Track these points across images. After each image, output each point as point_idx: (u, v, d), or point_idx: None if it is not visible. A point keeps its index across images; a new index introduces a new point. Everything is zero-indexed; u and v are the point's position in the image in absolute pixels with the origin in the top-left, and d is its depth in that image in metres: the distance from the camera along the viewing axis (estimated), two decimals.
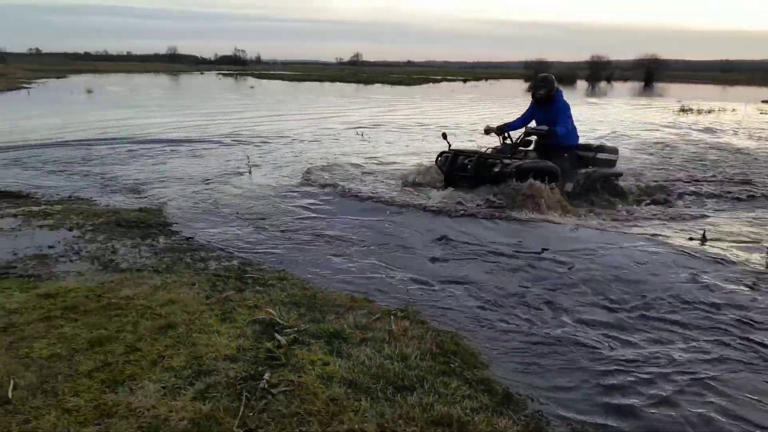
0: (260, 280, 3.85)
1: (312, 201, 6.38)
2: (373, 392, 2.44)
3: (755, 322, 3.45)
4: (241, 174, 8.02)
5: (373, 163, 9.07)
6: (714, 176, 8.68)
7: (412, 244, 4.85)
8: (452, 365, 2.77)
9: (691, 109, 23.66)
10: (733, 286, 4.01)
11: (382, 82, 51.86)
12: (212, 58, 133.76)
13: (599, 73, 72.46)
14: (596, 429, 2.41)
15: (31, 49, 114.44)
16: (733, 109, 24.53)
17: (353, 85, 46.10)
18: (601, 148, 7.24)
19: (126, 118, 15.88)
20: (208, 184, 7.30)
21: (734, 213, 6.54)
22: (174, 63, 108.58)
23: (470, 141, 10.94)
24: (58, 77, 46.31)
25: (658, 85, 61.01)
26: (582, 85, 61.97)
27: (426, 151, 9.91)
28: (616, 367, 2.89)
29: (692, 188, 7.73)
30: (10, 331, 2.88)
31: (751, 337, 3.26)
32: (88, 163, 8.70)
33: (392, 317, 3.29)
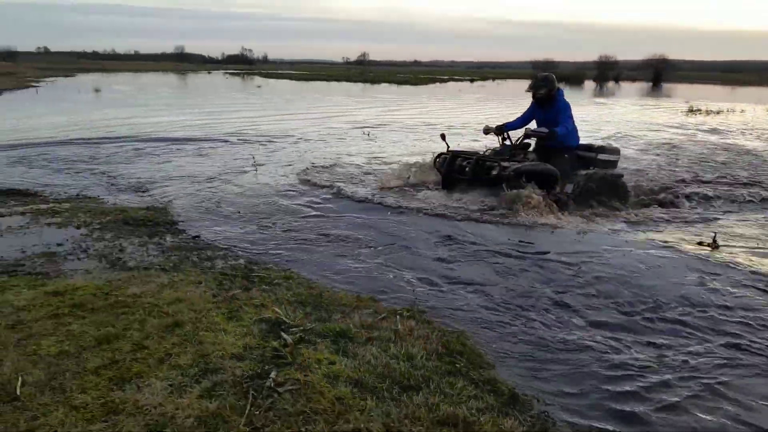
0: (266, 279, 3.86)
1: (316, 201, 6.39)
2: (379, 392, 2.45)
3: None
4: (246, 173, 8.04)
5: (378, 163, 9.07)
6: (722, 178, 8.59)
7: (416, 245, 4.85)
8: (458, 365, 2.77)
9: (699, 110, 23.56)
10: (744, 291, 3.97)
11: (389, 81, 51.85)
12: (219, 58, 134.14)
13: (607, 73, 72.23)
14: (602, 430, 2.40)
15: (39, 47, 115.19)
16: (742, 110, 24.40)
17: (360, 85, 46.11)
18: (602, 149, 7.11)
19: (133, 117, 15.95)
20: (214, 182, 7.33)
21: (743, 215, 6.49)
22: (181, 62, 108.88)
23: (474, 141, 10.93)
24: (66, 76, 46.55)
25: (666, 86, 60.73)
26: (590, 85, 61.75)
27: (432, 150, 9.90)
28: (623, 371, 2.88)
29: (700, 190, 7.63)
30: (19, 328, 2.90)
31: (764, 342, 3.23)
32: (95, 161, 8.74)
33: (398, 317, 3.29)
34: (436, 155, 7.10)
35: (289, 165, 8.74)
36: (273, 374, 2.52)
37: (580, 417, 2.49)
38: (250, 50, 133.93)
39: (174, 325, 2.98)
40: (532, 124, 7.00)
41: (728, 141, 13.46)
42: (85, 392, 2.33)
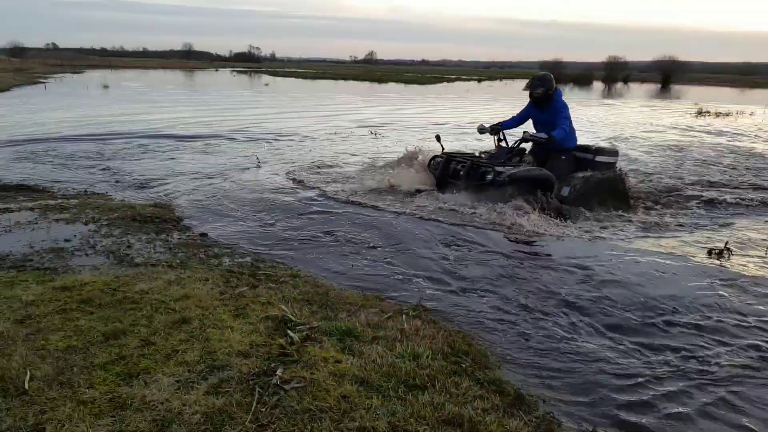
0: (273, 277, 3.87)
1: (321, 199, 6.39)
2: (385, 390, 2.45)
3: None
4: (253, 171, 8.07)
5: (384, 162, 9.04)
6: (731, 181, 8.52)
7: (422, 246, 4.85)
8: (463, 365, 2.77)
9: (708, 112, 23.42)
10: (758, 300, 3.93)
11: (397, 80, 51.82)
12: (227, 55, 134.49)
13: (616, 74, 71.95)
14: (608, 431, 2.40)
15: (48, 43, 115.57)
16: (752, 113, 24.22)
17: (367, 83, 46.12)
18: (600, 150, 6.89)
19: (141, 113, 16.03)
20: (220, 180, 7.35)
21: (754, 219, 6.41)
22: (189, 59, 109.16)
23: (479, 141, 10.90)
24: (75, 72, 46.76)
25: (676, 87, 60.36)
26: (598, 86, 61.50)
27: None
28: (630, 376, 2.87)
29: (708, 193, 7.54)
30: (27, 323, 2.92)
31: None
32: (103, 157, 8.79)
33: (404, 316, 3.29)
34: (430, 157, 6.98)
35: (295, 163, 8.76)
36: (279, 372, 2.52)
37: (586, 415, 2.49)
38: (258, 48, 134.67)
39: (181, 321, 2.99)
40: (528, 124, 6.84)
41: (737, 143, 13.38)
42: (93, 387, 2.35)
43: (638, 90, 54.16)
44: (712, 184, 8.24)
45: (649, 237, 5.52)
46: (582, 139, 7.09)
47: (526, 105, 6.90)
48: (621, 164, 8.24)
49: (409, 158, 7.52)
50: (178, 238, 4.76)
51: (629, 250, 4.97)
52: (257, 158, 8.93)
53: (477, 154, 6.95)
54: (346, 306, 3.43)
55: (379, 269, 4.24)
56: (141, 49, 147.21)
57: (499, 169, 6.14)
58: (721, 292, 4.02)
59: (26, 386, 2.32)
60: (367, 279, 4.05)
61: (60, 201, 5.76)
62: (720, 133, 15.72)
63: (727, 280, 4.29)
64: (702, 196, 7.40)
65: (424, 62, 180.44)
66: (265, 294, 3.49)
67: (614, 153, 7.03)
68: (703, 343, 3.25)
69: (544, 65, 71.64)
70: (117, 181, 7.17)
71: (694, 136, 14.69)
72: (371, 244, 4.82)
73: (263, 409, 2.26)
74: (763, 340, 3.32)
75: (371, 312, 3.34)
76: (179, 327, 2.93)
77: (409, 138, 12.44)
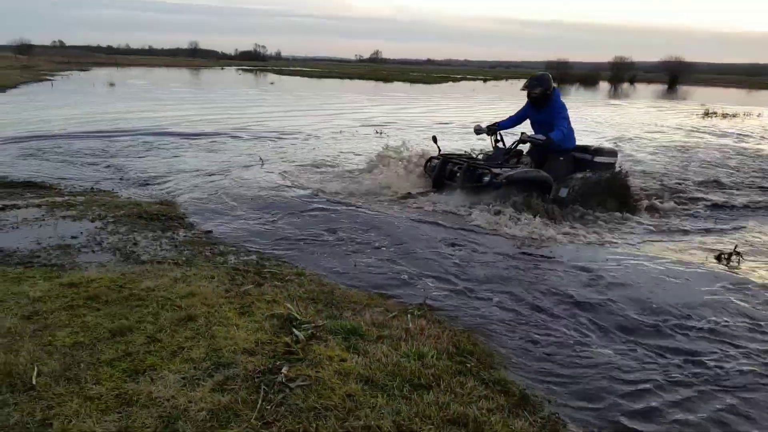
0: (278, 275, 3.88)
1: (325, 198, 6.38)
2: (390, 389, 2.45)
3: None
4: (256, 169, 8.07)
5: (387, 162, 9.01)
6: (737, 183, 8.46)
7: (427, 246, 4.84)
8: (468, 365, 2.77)
9: (715, 113, 23.35)
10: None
11: (402, 80, 51.82)
12: (233, 54, 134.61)
13: (622, 74, 71.73)
14: None
15: (54, 41, 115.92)
16: (759, 114, 24.12)
17: (373, 83, 46.11)
18: (598, 151, 6.81)
19: (146, 111, 16.08)
20: (225, 178, 7.36)
21: (762, 222, 6.35)
22: (195, 58, 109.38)
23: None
24: (81, 70, 46.92)
25: (683, 88, 60.12)
26: (604, 86, 61.33)
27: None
28: (637, 378, 2.86)
29: (715, 195, 7.50)
30: (35, 319, 2.94)
31: None
32: (109, 154, 8.82)
33: (409, 315, 3.30)
34: (427, 159, 6.92)
35: (299, 162, 8.77)
36: (284, 370, 2.53)
37: (592, 417, 2.49)
38: (264, 47, 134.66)
39: (187, 318, 3.00)
40: (526, 124, 6.78)
41: (743, 145, 13.32)
42: (100, 383, 2.36)
43: (645, 91, 53.99)
44: (718, 186, 8.20)
45: (656, 240, 5.47)
46: (587, 139, 7.05)
47: (523, 105, 6.81)
48: (626, 165, 8.23)
49: (384, 157, 7.49)
50: (184, 236, 4.77)
51: (637, 254, 4.95)
52: (260, 157, 8.93)
53: (474, 155, 6.89)
54: (351, 305, 3.43)
55: (384, 268, 4.24)
56: (147, 47, 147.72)
57: (496, 170, 6.09)
58: (731, 297, 3.97)
59: (34, 381, 2.34)
60: (371, 278, 4.05)
61: (67, 198, 5.78)
62: (726, 135, 15.66)
63: (738, 285, 4.23)
64: (708, 198, 7.35)
65: (429, 62, 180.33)
66: (270, 292, 3.50)
67: (613, 153, 6.95)
68: (712, 349, 3.21)
69: (549, 65, 71.50)
70: (122, 179, 7.20)
71: (701, 138, 14.64)
72: (375, 244, 4.82)
73: (268, 407, 2.27)
74: None
75: (376, 311, 3.34)
76: (185, 324, 2.94)
77: (413, 137, 12.43)
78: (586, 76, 66.62)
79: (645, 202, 6.79)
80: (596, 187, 6.33)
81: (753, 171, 9.57)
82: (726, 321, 3.58)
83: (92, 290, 3.32)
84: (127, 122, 13.07)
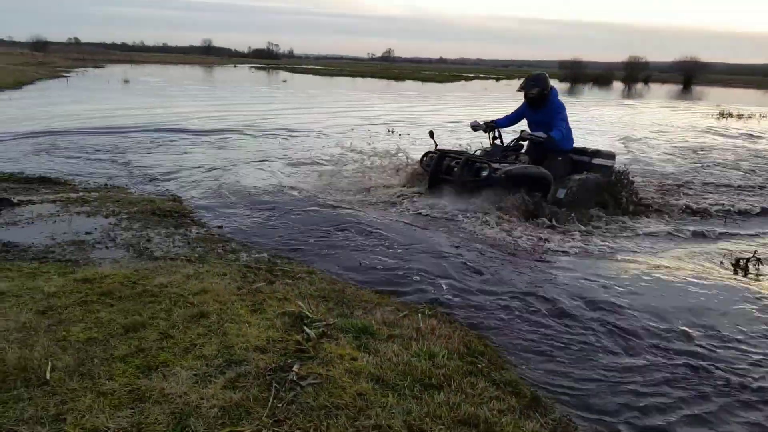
0: (290, 273, 3.89)
1: (336, 197, 6.40)
2: (401, 389, 2.45)
3: None
4: (268, 167, 8.10)
5: (399, 160, 9.02)
6: (752, 187, 8.25)
7: (436, 246, 4.83)
8: (479, 365, 2.76)
9: (730, 114, 23.05)
10: None
11: (414, 78, 51.73)
12: (246, 51, 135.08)
13: (636, 74, 71.11)
14: None
15: (70, 38, 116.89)
16: None
17: (385, 81, 46.08)
18: (596, 153, 6.70)
19: (160, 108, 16.19)
20: (237, 175, 7.40)
21: None
22: (208, 55, 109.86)
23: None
24: (96, 67, 47.33)
25: (698, 88, 59.42)
26: (618, 86, 60.83)
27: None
28: (650, 384, 2.83)
29: (728, 199, 7.32)
30: (49, 314, 2.97)
31: None
32: (124, 150, 8.90)
33: (420, 315, 3.29)
34: (423, 154, 6.81)
35: (311, 160, 8.79)
36: (296, 367, 2.54)
37: (603, 419, 2.47)
38: (276, 45, 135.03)
39: (199, 315, 3.02)
40: (523, 123, 6.69)
41: (758, 147, 13.15)
42: (113, 379, 2.38)
43: (659, 90, 53.45)
44: (732, 189, 8.04)
45: (669, 245, 5.36)
46: (597, 140, 6.96)
47: (521, 104, 6.71)
48: (636, 166, 8.14)
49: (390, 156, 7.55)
50: (197, 233, 4.80)
51: (650, 260, 4.86)
52: (269, 157, 8.96)
53: (472, 152, 6.81)
54: (362, 303, 3.44)
55: (394, 267, 4.24)
56: (162, 45, 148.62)
57: (495, 165, 5.98)
58: (751, 305, 3.90)
59: (48, 377, 2.36)
60: (381, 277, 4.05)
61: (81, 194, 5.84)
62: (743, 136, 15.46)
63: (758, 293, 4.13)
64: (722, 201, 7.16)
65: (441, 60, 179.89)
66: (281, 290, 3.51)
67: (611, 156, 6.81)
68: (730, 357, 3.15)
69: (563, 64, 71.00)
70: (136, 175, 7.25)
71: (716, 138, 14.48)
72: (385, 244, 4.82)
73: (280, 405, 2.28)
74: None
75: (387, 310, 3.34)
76: (197, 321, 2.96)
77: (424, 135, 12.40)
78: (600, 75, 66.07)
79: (659, 205, 6.65)
80: (595, 188, 6.25)
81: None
82: (743, 329, 3.51)
83: (106, 286, 3.35)
84: (140, 119, 13.17)
